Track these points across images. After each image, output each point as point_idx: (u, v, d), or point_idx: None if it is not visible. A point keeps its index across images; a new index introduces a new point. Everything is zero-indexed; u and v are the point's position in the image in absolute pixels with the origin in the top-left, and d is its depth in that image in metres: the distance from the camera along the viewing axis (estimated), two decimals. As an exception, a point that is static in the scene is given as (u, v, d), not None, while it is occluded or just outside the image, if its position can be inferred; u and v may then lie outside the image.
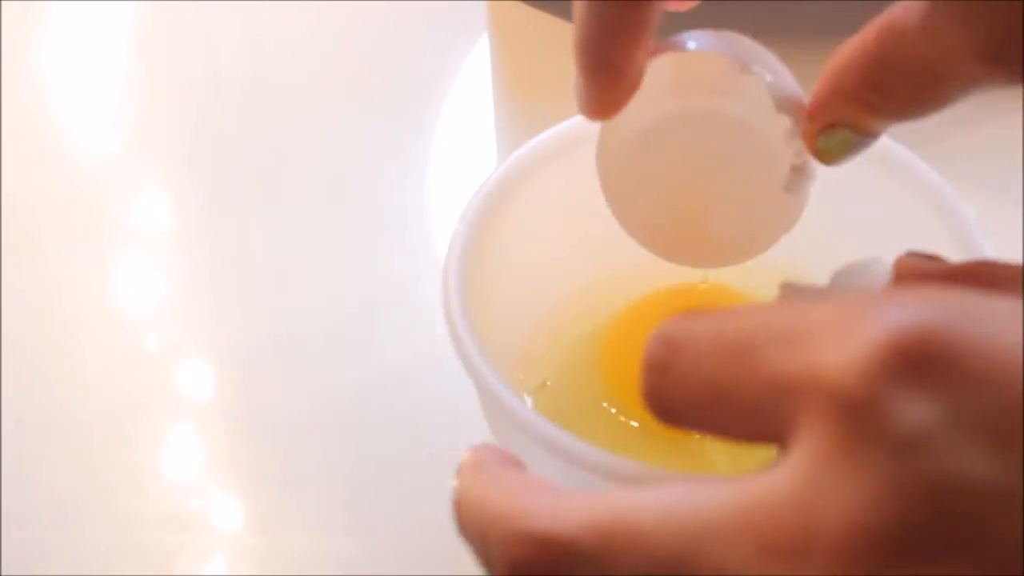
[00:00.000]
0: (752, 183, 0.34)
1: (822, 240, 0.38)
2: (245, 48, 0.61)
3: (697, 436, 0.37)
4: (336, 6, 0.62)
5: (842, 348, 0.19)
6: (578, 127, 0.39)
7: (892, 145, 0.38)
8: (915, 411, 0.18)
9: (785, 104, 0.32)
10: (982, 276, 0.25)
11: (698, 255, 0.37)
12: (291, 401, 0.47)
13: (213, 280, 0.52)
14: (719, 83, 0.33)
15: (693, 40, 0.33)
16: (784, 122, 0.32)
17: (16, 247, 0.52)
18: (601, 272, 0.42)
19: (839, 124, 0.31)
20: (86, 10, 0.63)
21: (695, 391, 0.22)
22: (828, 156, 0.32)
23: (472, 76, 0.59)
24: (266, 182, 0.55)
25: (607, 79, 0.32)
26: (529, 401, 0.40)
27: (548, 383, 0.41)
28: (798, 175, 0.33)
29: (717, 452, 0.38)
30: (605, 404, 0.40)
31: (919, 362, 0.19)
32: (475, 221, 0.38)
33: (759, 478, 0.20)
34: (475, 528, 0.23)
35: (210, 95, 0.59)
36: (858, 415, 0.19)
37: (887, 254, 0.27)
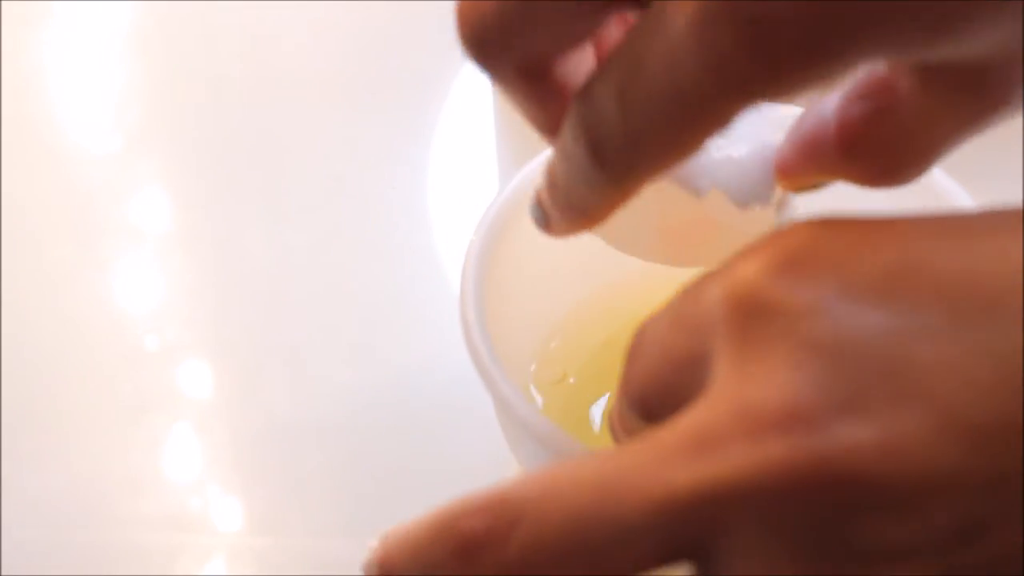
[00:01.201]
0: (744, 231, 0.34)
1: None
2: (245, 48, 0.61)
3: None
4: (336, 7, 0.62)
5: (731, 271, 0.21)
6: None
7: None
8: (804, 288, 0.20)
9: (762, 192, 0.32)
10: None
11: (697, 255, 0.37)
12: (291, 401, 0.47)
13: (213, 280, 0.52)
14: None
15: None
16: (766, 204, 0.32)
17: (16, 247, 0.52)
18: (615, 278, 0.42)
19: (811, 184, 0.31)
20: (86, 10, 0.63)
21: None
22: (803, 193, 0.32)
23: (472, 76, 0.59)
24: (266, 182, 0.55)
25: (582, 225, 0.30)
26: (540, 401, 0.40)
27: (570, 380, 0.42)
28: (783, 208, 0.33)
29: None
30: None
31: (797, 258, 0.20)
32: (490, 231, 0.38)
33: (680, 416, 0.21)
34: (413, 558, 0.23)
35: (210, 95, 0.59)
36: (755, 309, 0.20)
37: None
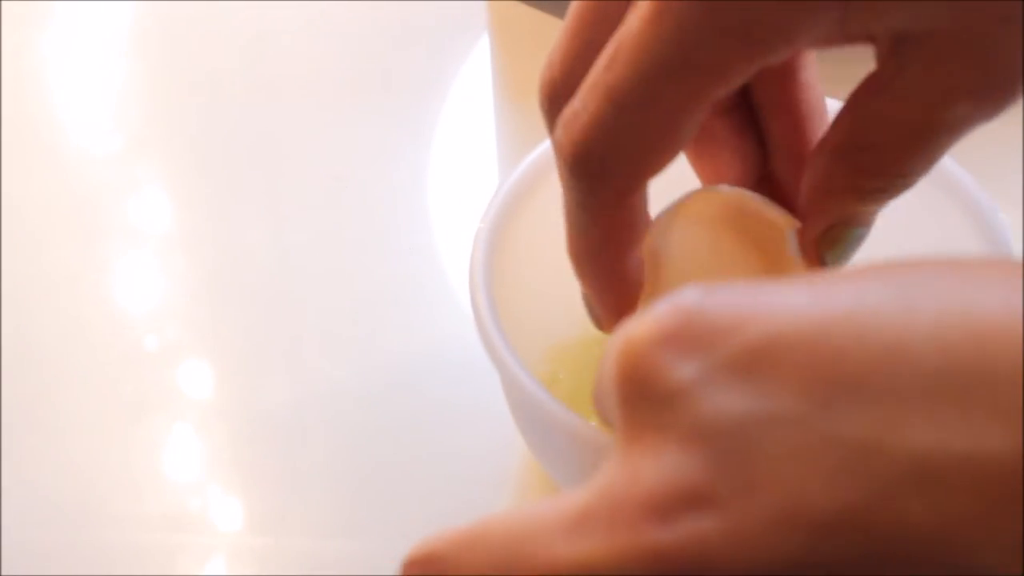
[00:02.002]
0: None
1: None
2: (245, 48, 0.61)
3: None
4: (336, 6, 0.62)
5: (629, 331, 0.22)
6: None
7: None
8: (679, 365, 0.21)
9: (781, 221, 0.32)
10: None
11: None
12: (291, 401, 0.47)
13: (213, 280, 0.52)
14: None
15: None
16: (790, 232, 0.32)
17: (16, 247, 0.52)
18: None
19: (837, 224, 0.30)
20: (86, 10, 0.63)
21: None
22: (835, 261, 0.32)
23: (472, 76, 0.59)
24: (266, 182, 0.55)
25: (614, 284, 0.31)
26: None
27: (560, 376, 0.41)
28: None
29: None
30: None
31: (678, 331, 0.21)
32: (497, 219, 0.38)
33: (586, 485, 0.22)
34: None
35: (210, 95, 0.59)
36: (637, 383, 0.21)
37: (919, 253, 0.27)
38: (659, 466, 0.20)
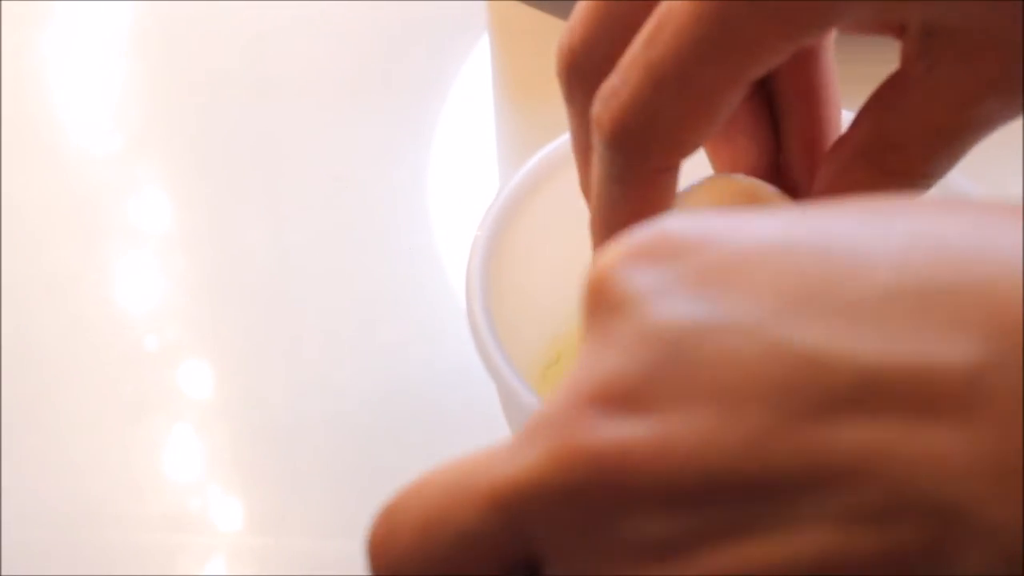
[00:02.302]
0: None
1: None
2: (245, 48, 0.61)
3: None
4: (336, 6, 0.62)
5: (600, 253, 0.21)
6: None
7: None
8: (641, 276, 0.20)
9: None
10: None
11: None
12: (291, 401, 0.47)
13: (213, 280, 0.52)
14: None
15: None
16: None
17: (17, 247, 0.52)
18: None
19: None
20: (86, 10, 0.63)
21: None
22: None
23: (472, 76, 0.59)
24: (266, 183, 0.55)
25: None
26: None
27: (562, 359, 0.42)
28: None
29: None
30: None
31: (647, 247, 0.21)
32: (495, 225, 0.38)
33: None
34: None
35: (210, 95, 0.59)
36: (599, 295, 0.21)
37: None
38: (598, 369, 0.20)
